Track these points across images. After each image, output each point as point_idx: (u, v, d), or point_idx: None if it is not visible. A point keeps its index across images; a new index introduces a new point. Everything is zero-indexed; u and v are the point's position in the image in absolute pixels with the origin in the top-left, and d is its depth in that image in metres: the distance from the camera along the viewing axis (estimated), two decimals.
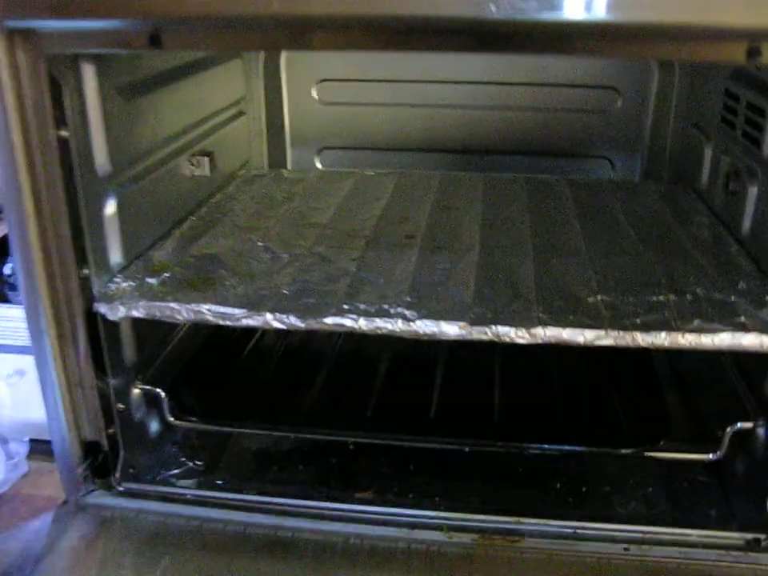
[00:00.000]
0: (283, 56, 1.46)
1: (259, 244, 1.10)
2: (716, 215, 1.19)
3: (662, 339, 0.83)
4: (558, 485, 1.00)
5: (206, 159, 1.21)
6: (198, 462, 1.07)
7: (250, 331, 1.22)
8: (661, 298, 0.91)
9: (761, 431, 0.93)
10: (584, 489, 1.00)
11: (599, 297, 0.92)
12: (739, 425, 0.94)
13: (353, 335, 0.90)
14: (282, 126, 1.50)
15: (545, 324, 0.85)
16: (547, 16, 0.70)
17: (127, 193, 1.01)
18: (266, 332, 1.25)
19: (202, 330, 1.20)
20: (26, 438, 1.50)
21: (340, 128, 1.49)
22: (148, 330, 1.03)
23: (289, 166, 1.52)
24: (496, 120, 1.43)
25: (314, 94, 1.47)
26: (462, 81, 1.41)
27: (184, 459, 1.07)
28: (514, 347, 0.86)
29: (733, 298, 0.92)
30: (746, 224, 1.07)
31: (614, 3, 0.69)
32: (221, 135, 1.33)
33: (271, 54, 1.45)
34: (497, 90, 1.41)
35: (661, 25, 0.72)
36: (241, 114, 1.44)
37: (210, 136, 1.28)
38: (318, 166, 1.52)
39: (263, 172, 1.47)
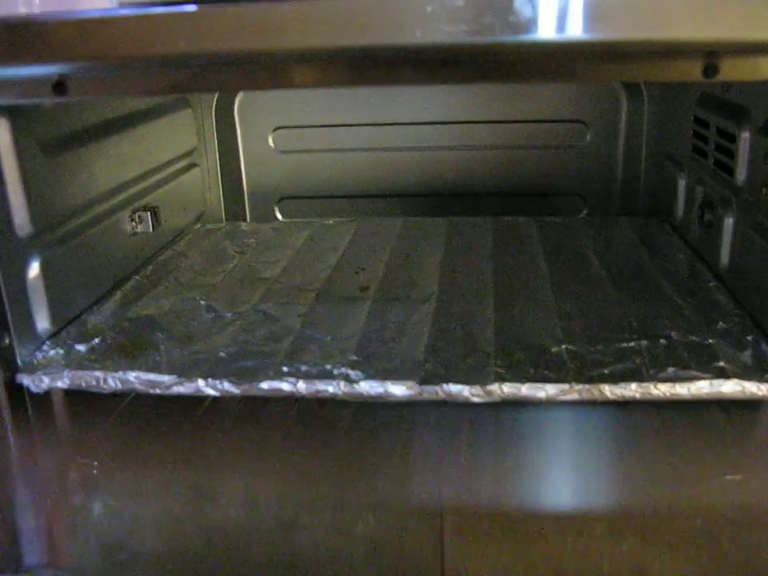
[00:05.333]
0: (236, 104, 1.39)
1: (201, 303, 1.02)
2: (693, 249, 1.12)
3: (632, 391, 0.75)
4: None
5: (148, 215, 1.13)
6: None
7: None
8: (632, 344, 0.83)
9: None
10: None
11: (564, 346, 0.84)
12: None
13: None
14: (239, 177, 1.43)
15: (502, 380, 0.76)
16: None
17: (55, 254, 0.94)
18: None
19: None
20: None
21: (299, 176, 1.42)
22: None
23: (248, 218, 1.44)
24: (459, 161, 1.36)
25: (270, 142, 1.40)
26: (421, 122, 1.35)
27: None
28: None
29: (711, 340, 0.84)
30: (724, 257, 1.00)
31: (557, 22, 0.62)
32: (169, 189, 1.25)
33: (224, 104, 1.39)
34: (458, 129, 1.35)
35: (609, 42, 0.65)
36: (193, 165, 1.37)
37: (155, 191, 1.21)
38: (279, 216, 1.44)
39: (218, 226, 1.39)
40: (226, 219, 1.45)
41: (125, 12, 0.70)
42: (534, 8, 0.62)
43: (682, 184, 1.18)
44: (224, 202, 1.45)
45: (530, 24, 0.62)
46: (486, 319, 0.92)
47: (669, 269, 1.05)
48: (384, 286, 1.05)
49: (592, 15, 0.62)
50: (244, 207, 1.45)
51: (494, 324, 0.91)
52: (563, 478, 0.74)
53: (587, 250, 1.15)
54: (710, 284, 0.99)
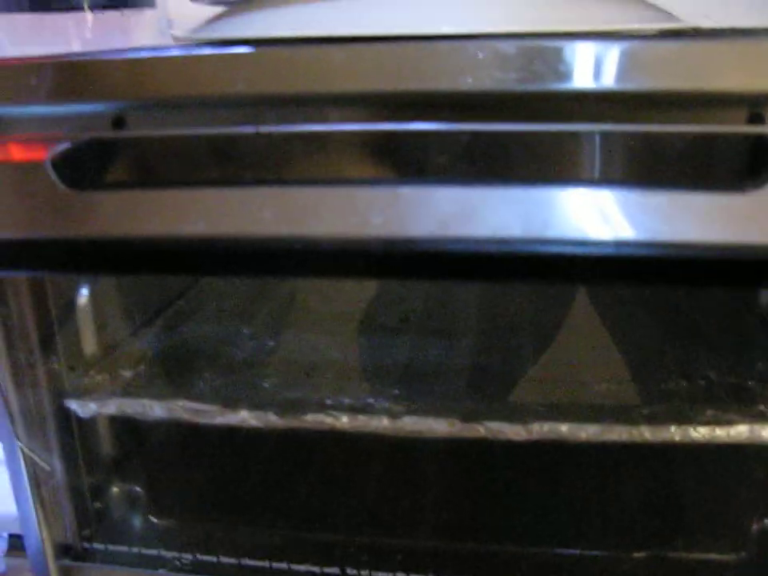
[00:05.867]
0: None
1: (244, 331, 1.04)
2: None
3: (671, 433, 0.76)
4: None
5: None
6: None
7: None
8: (670, 385, 0.84)
9: None
10: None
11: (604, 385, 0.85)
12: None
13: None
14: None
15: (543, 419, 0.77)
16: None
17: (102, 282, 0.96)
18: None
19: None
20: (5, 534, 1.42)
21: None
22: (127, 423, 0.97)
23: None
24: None
25: None
26: None
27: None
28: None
29: (750, 382, 0.84)
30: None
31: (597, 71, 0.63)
32: None
33: None
34: None
35: (652, 92, 0.66)
36: None
37: None
38: None
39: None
40: None
41: (176, 51, 0.72)
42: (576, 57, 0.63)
43: None
44: None
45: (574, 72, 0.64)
46: (526, 356, 0.93)
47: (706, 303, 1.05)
48: (424, 316, 1.06)
49: (632, 64, 0.63)
50: None
51: (540, 364, 0.92)
52: None
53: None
54: (750, 321, 0.99)
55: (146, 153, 0.71)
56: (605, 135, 0.65)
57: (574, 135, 0.65)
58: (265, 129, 0.65)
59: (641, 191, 0.57)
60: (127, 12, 1.16)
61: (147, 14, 1.22)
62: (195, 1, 0.90)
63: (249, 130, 0.64)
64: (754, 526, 0.86)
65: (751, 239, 0.56)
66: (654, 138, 0.65)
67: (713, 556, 0.86)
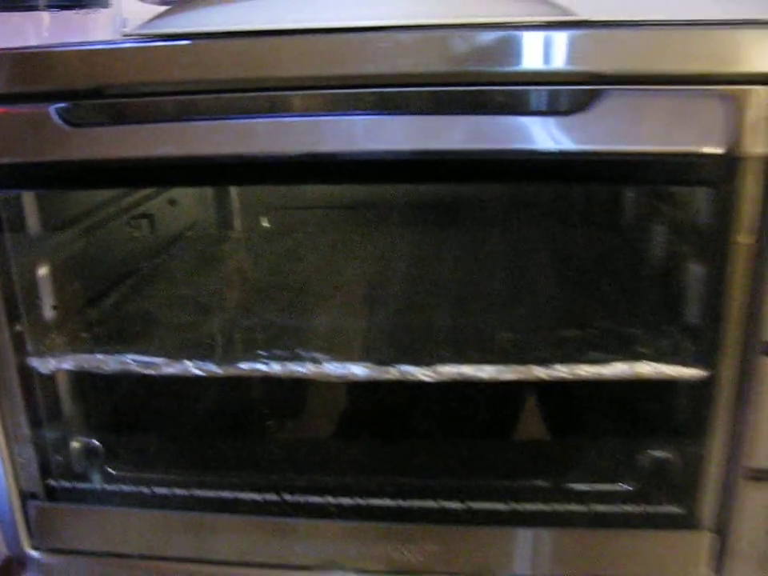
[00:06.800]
0: None
1: (192, 300, 1.14)
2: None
3: (560, 372, 0.88)
4: None
5: (146, 221, 1.26)
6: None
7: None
8: (566, 333, 0.96)
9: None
10: None
11: (506, 334, 0.96)
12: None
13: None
14: (227, 189, 1.55)
15: (446, 361, 0.89)
16: None
17: (62, 253, 1.06)
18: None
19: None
20: None
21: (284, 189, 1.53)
22: (87, 382, 1.07)
23: (237, 227, 1.57)
24: None
25: None
26: None
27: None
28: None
29: (632, 329, 0.96)
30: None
31: None
32: (164, 198, 1.38)
33: None
34: None
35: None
36: None
37: (152, 200, 1.33)
38: (266, 224, 1.56)
39: (209, 232, 1.52)
40: (218, 227, 1.57)
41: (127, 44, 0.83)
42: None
43: None
44: (216, 211, 1.57)
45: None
46: (444, 312, 1.05)
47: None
48: (358, 284, 1.18)
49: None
50: (232, 216, 1.57)
51: (450, 315, 1.03)
52: None
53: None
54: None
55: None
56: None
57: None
58: None
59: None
60: (82, 11, 1.26)
61: (102, 13, 1.32)
62: (144, 1, 1.00)
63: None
64: (644, 458, 0.98)
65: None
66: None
67: (607, 486, 0.97)
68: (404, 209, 1.35)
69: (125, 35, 0.91)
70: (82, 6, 1.23)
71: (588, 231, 1.24)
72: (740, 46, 0.73)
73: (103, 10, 1.29)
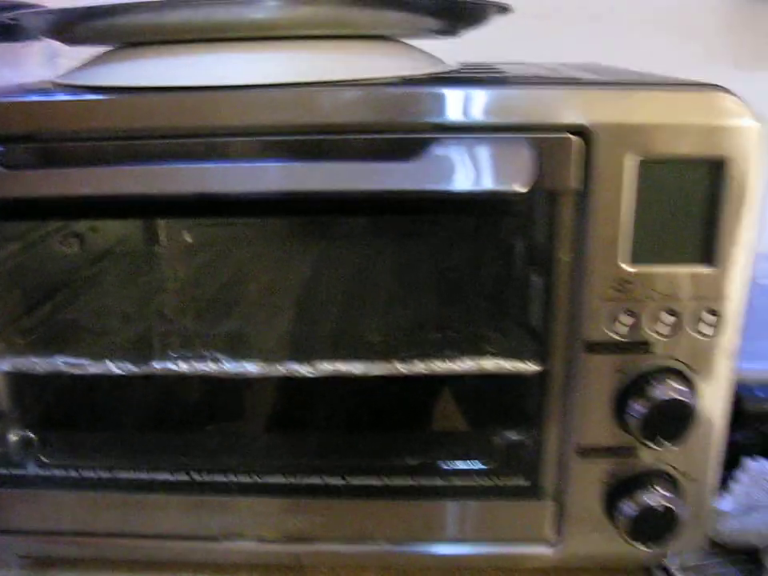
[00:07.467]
0: None
1: (116, 309, 1.31)
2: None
3: (419, 367, 1.05)
4: None
5: (76, 240, 1.42)
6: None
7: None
8: (428, 335, 1.14)
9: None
10: None
11: (378, 337, 1.14)
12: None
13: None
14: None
15: (325, 359, 1.06)
16: None
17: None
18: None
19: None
20: None
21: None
22: (23, 383, 1.22)
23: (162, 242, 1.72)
24: None
25: None
26: None
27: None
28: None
29: (485, 331, 1.14)
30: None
31: None
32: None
33: None
34: None
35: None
36: None
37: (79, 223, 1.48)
38: (188, 240, 1.72)
39: (136, 247, 1.67)
40: (144, 242, 1.72)
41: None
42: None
43: None
44: (142, 226, 1.72)
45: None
46: (331, 318, 1.22)
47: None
48: (263, 291, 1.35)
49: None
50: (157, 232, 1.72)
51: (335, 321, 1.21)
52: None
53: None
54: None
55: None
56: None
57: None
58: None
59: None
60: (17, 45, 1.41)
61: (34, 47, 1.47)
62: (69, 45, 1.15)
63: None
64: (498, 439, 1.16)
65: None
66: None
67: (469, 464, 1.15)
68: (299, 226, 1.53)
69: (55, 85, 1.06)
70: (15, 40, 1.38)
71: (450, 251, 1.43)
72: (548, 103, 0.91)
73: (36, 43, 1.43)
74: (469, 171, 0.89)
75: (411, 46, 1.06)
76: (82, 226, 1.46)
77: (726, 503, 1.14)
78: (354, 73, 0.94)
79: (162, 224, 1.67)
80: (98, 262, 1.54)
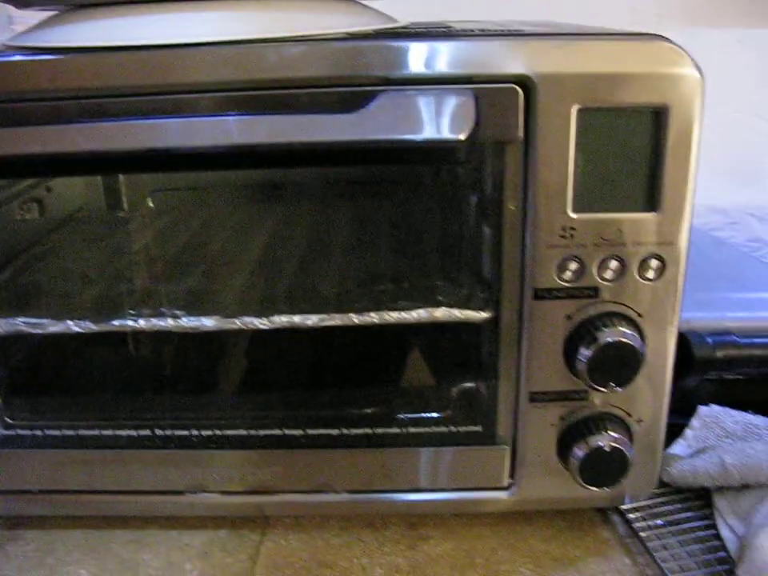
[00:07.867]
0: None
1: (77, 272, 1.32)
2: None
3: (372, 318, 1.08)
4: None
5: (36, 205, 1.43)
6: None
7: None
8: (382, 287, 1.16)
9: None
10: None
11: (333, 291, 1.17)
12: None
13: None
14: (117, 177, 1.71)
15: (281, 312, 1.09)
16: None
17: None
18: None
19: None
20: None
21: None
22: None
23: (125, 207, 1.73)
24: None
25: None
26: None
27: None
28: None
29: (440, 282, 1.17)
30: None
31: None
32: (54, 183, 1.54)
33: None
34: None
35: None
36: None
37: (41, 185, 1.49)
38: (151, 205, 1.73)
39: (98, 213, 1.68)
40: (107, 208, 1.73)
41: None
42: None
43: None
44: (104, 193, 1.73)
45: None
46: (289, 272, 1.25)
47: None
48: (223, 251, 1.37)
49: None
50: (121, 198, 1.73)
51: (292, 276, 1.23)
52: None
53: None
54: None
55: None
56: None
57: None
58: None
59: None
60: None
61: None
62: (21, 8, 1.16)
63: None
64: (454, 389, 1.19)
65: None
66: None
67: (426, 414, 1.18)
68: (257, 189, 1.55)
69: (8, 47, 1.07)
70: None
71: (403, 205, 1.46)
72: (491, 54, 0.93)
73: None
74: (412, 122, 0.91)
75: (362, 4, 1.07)
76: (40, 192, 1.47)
77: (678, 447, 1.18)
78: (303, 29, 0.96)
79: (124, 190, 1.68)
80: (61, 228, 1.55)
